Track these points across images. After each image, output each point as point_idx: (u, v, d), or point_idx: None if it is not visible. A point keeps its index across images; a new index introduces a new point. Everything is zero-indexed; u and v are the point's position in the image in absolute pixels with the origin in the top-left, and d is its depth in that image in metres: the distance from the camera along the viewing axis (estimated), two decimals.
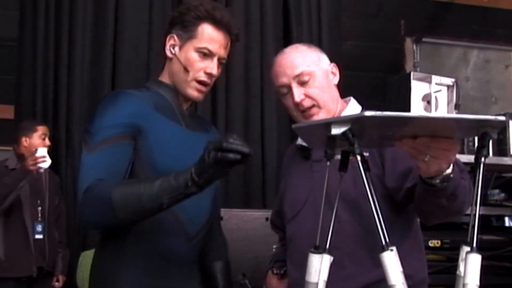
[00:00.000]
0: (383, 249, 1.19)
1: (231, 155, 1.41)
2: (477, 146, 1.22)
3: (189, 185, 1.49)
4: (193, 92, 1.79)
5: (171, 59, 1.81)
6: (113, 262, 1.72)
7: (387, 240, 1.20)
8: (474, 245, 1.20)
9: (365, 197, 1.66)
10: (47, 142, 3.84)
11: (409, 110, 3.89)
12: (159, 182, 1.52)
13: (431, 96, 3.98)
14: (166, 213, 1.66)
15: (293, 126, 1.39)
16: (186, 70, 1.77)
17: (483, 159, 1.19)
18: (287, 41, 4.43)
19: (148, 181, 1.56)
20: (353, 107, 1.87)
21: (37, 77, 4.07)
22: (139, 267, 1.70)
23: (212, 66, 1.77)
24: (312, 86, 1.80)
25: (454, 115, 1.37)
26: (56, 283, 3.86)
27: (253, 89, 4.32)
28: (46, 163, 3.58)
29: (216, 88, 4.21)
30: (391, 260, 1.19)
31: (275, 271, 2.02)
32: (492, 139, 1.23)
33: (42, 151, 3.58)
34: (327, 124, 1.22)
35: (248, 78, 4.34)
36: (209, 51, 1.76)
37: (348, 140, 1.21)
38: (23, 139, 3.81)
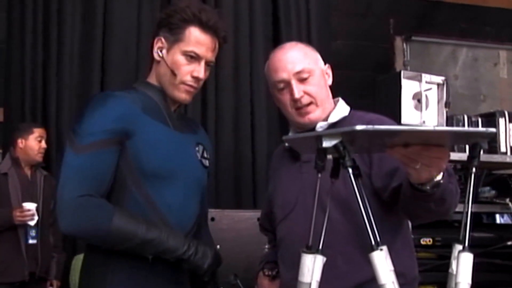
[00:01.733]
0: (372, 248, 1.21)
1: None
2: (468, 156, 1.24)
3: (179, 256, 1.70)
4: (180, 94, 1.79)
5: (158, 61, 1.81)
6: (100, 266, 1.73)
7: (377, 239, 1.21)
8: (466, 244, 1.22)
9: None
10: (43, 144, 3.84)
11: (399, 109, 3.90)
12: (159, 239, 1.66)
13: (421, 94, 3.99)
14: (153, 216, 1.70)
15: (284, 137, 1.43)
16: (173, 73, 1.76)
17: (474, 169, 1.22)
18: (276, 41, 4.41)
19: (149, 227, 1.66)
20: (341, 108, 1.88)
21: (25, 78, 4.04)
22: (125, 270, 1.71)
23: (199, 70, 1.77)
24: (311, 84, 1.81)
25: (446, 128, 1.41)
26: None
27: (242, 89, 4.29)
28: (34, 221, 3.63)
29: (206, 88, 4.18)
30: (380, 260, 1.21)
31: (266, 273, 2.02)
32: (483, 149, 1.25)
33: (31, 206, 3.63)
34: (317, 137, 1.23)
35: (238, 78, 4.31)
36: (196, 54, 1.76)
37: (339, 153, 1.22)
38: (19, 140, 3.80)
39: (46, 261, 3.77)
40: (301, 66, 1.80)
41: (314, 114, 1.81)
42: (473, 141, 1.24)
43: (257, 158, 4.29)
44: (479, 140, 1.23)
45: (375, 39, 5.23)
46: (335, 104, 1.90)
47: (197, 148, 1.87)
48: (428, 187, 1.44)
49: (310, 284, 1.31)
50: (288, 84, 1.80)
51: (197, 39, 1.75)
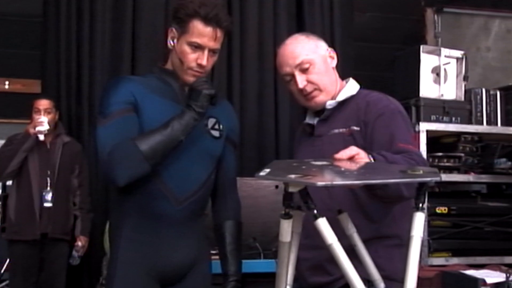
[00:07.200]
0: (316, 217, 1.41)
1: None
2: (416, 194, 1.45)
3: (196, 118, 1.95)
4: (189, 78, 2.06)
5: (171, 49, 2.08)
6: (116, 222, 2.09)
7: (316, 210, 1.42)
8: (420, 205, 1.43)
9: None
10: (40, 116, 3.91)
11: (418, 83, 3.98)
12: (171, 127, 1.92)
13: (440, 68, 4.05)
14: (155, 181, 1.99)
15: (256, 175, 1.63)
16: (181, 61, 2.04)
17: (420, 205, 1.43)
18: (300, 17, 4.57)
19: (160, 129, 1.92)
20: (350, 87, 2.11)
21: (60, 53, 4.24)
22: (132, 225, 2.03)
23: (203, 57, 2.02)
24: (312, 73, 2.05)
25: (394, 180, 1.61)
26: (79, 243, 4.06)
27: (266, 64, 4.43)
28: (44, 127, 3.85)
29: (231, 64, 4.40)
30: (323, 225, 1.42)
31: None
32: (431, 186, 1.44)
33: (43, 118, 3.87)
34: (285, 183, 1.45)
35: (262, 53, 4.45)
36: (199, 44, 2.01)
37: (302, 198, 1.44)
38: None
39: (61, 224, 4.00)
40: (300, 58, 2.04)
41: (319, 98, 2.08)
42: (420, 181, 1.45)
43: (280, 131, 4.46)
44: (427, 182, 1.44)
45: (405, 11, 5.21)
46: (346, 83, 2.13)
47: (208, 121, 2.12)
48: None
49: (289, 242, 1.52)
50: (293, 76, 2.06)
51: (199, 31, 2.00)
